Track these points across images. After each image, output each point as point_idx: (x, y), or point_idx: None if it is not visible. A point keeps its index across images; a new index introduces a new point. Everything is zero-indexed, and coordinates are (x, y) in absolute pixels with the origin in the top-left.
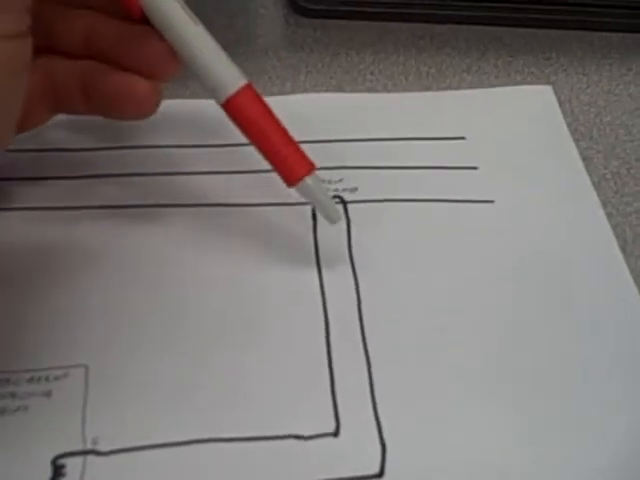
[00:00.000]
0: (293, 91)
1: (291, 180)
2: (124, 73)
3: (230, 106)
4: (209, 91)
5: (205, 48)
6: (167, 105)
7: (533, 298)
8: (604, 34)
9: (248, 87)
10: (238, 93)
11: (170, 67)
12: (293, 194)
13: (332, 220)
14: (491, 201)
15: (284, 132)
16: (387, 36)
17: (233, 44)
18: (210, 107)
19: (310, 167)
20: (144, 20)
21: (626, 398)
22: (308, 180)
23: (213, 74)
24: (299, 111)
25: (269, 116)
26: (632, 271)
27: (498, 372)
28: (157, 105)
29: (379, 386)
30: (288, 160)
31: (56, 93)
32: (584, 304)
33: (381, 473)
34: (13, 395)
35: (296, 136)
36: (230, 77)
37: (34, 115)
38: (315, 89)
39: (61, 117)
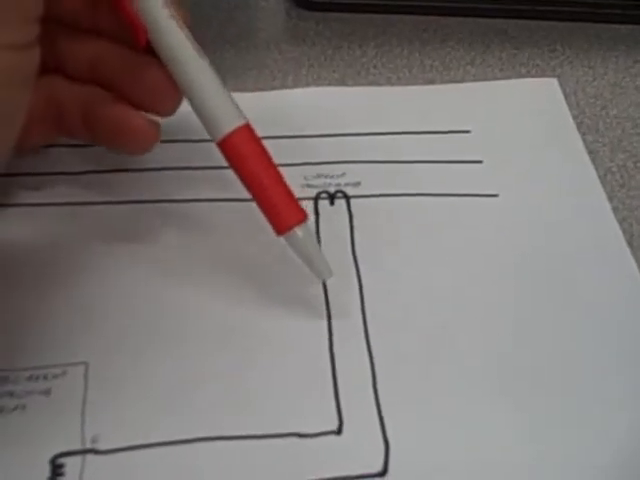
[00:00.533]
0: (295, 85)
1: (279, 229)
2: (124, 107)
3: (224, 145)
4: (205, 127)
5: (206, 84)
6: None
7: (538, 293)
8: (610, 26)
9: (245, 128)
10: (233, 133)
11: (171, 100)
12: (295, 189)
13: (322, 276)
14: (496, 195)
15: (278, 178)
16: (390, 29)
17: (234, 38)
18: None
19: (301, 217)
20: (150, 50)
21: (628, 396)
22: (298, 231)
23: (211, 111)
24: (301, 105)
25: (264, 160)
26: None
27: (502, 370)
28: (155, 142)
29: (382, 384)
30: (278, 208)
31: (58, 115)
32: (590, 299)
33: (384, 471)
34: (11, 394)
35: (297, 130)
36: (227, 116)
37: (35, 134)
38: (317, 83)
39: None
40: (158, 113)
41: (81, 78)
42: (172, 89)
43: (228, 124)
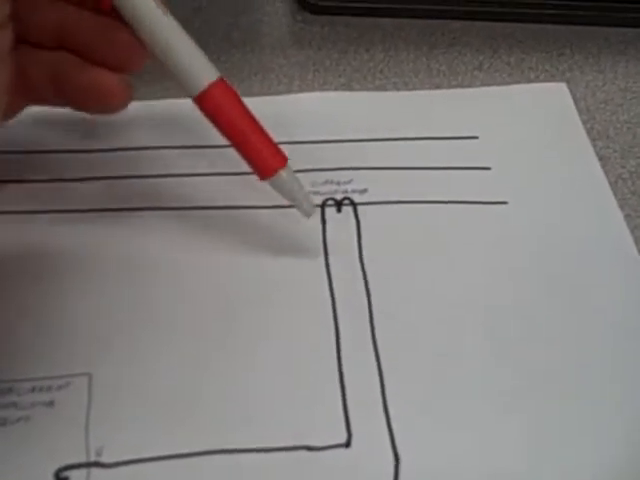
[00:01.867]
0: (301, 90)
1: (265, 173)
2: (95, 68)
3: (202, 100)
4: (181, 85)
5: (176, 41)
6: (169, 104)
7: (548, 302)
8: (620, 29)
9: (221, 81)
10: (210, 87)
11: (138, 60)
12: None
13: (307, 213)
14: (504, 202)
15: (257, 126)
16: (397, 33)
17: (239, 42)
18: None
19: (284, 160)
20: (114, 12)
21: (626, 401)
22: (282, 173)
23: (184, 68)
24: (307, 110)
25: (242, 110)
26: None
27: (514, 379)
28: (128, 101)
29: (391, 395)
30: (262, 154)
31: (27, 84)
32: (601, 308)
33: None
34: (15, 405)
35: (303, 136)
36: (202, 71)
37: (6, 106)
38: (323, 88)
39: (46, 115)
40: (126, 72)
41: (47, 45)
42: (140, 48)
43: (204, 79)
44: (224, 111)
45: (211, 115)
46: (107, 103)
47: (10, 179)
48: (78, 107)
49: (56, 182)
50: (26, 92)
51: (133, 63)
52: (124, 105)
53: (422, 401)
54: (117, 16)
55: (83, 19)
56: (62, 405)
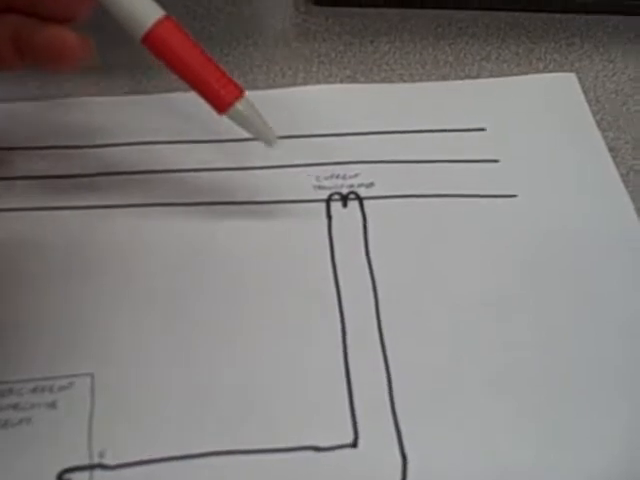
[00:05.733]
0: (305, 82)
1: (221, 107)
2: (52, 27)
3: (149, 40)
4: (126, 29)
5: None
6: (173, 97)
7: (558, 297)
8: (630, 18)
9: (166, 19)
10: (156, 26)
11: (83, 7)
12: (306, 191)
13: (269, 142)
14: (513, 195)
15: (209, 61)
16: (402, 24)
17: (242, 34)
18: None
19: (239, 92)
20: None
21: (627, 402)
22: (238, 105)
23: (128, 9)
24: (311, 103)
25: (192, 47)
26: None
27: (522, 379)
28: (89, 55)
29: (399, 395)
30: (215, 88)
31: None
32: (611, 303)
33: None
34: (16, 406)
35: (308, 129)
36: (146, 11)
37: None
38: (328, 80)
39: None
40: (73, 21)
41: None
42: None
43: (149, 17)
44: (171, 50)
45: (159, 55)
46: (69, 59)
47: (17, 176)
48: (42, 66)
49: (62, 179)
50: None
51: (80, 13)
52: (85, 59)
53: (430, 400)
54: None
55: None
56: (64, 406)
